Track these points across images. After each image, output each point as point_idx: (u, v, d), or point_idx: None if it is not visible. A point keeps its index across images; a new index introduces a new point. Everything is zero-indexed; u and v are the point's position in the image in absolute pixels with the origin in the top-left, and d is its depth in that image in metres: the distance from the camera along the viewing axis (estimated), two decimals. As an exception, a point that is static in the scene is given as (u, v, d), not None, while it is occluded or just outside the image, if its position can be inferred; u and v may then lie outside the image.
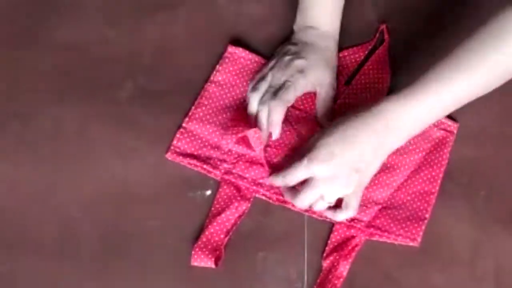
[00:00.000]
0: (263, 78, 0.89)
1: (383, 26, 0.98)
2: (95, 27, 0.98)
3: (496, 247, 0.87)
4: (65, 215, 0.88)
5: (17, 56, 0.97)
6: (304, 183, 0.83)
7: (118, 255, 0.86)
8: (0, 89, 0.95)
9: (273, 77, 0.89)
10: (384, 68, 0.95)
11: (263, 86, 0.89)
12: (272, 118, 0.86)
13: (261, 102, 0.88)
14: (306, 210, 0.87)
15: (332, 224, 0.88)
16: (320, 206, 0.83)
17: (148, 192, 0.89)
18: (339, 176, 0.80)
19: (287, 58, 0.89)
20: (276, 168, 0.87)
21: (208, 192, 0.89)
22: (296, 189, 0.84)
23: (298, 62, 0.88)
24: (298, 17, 0.94)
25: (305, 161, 0.80)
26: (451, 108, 0.82)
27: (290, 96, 0.87)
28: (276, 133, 0.87)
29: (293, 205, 0.87)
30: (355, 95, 0.93)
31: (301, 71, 0.88)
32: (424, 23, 1.00)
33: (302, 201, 0.83)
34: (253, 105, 0.89)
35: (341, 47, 0.96)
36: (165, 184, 0.89)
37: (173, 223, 0.87)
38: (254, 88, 0.89)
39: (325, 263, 0.85)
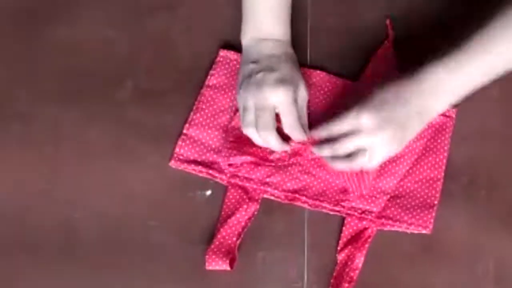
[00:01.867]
0: (245, 108, 0.85)
1: (387, 21, 0.98)
2: (95, 27, 0.98)
3: (496, 247, 0.87)
4: (65, 215, 0.88)
5: (17, 56, 0.97)
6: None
7: (118, 255, 0.86)
8: (0, 89, 0.95)
9: (255, 102, 0.85)
10: (391, 63, 0.95)
11: (250, 117, 0.85)
12: (271, 146, 0.86)
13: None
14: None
15: (342, 219, 0.88)
16: (360, 162, 0.82)
17: (148, 192, 0.89)
18: (385, 130, 0.81)
19: (259, 76, 0.85)
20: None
21: (208, 192, 0.89)
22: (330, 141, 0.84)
23: (273, 76, 0.85)
24: (247, 31, 0.90)
25: (356, 109, 0.81)
26: (493, 73, 0.83)
27: (271, 119, 0.85)
28: (287, 150, 0.88)
29: (302, 202, 0.88)
30: (363, 91, 0.93)
31: (280, 81, 0.85)
32: (424, 23, 1.00)
33: (340, 148, 0.82)
34: (258, 141, 0.86)
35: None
36: (165, 184, 0.89)
37: (173, 223, 0.87)
38: (247, 123, 0.85)
39: (340, 257, 0.86)
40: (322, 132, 0.84)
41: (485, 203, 0.89)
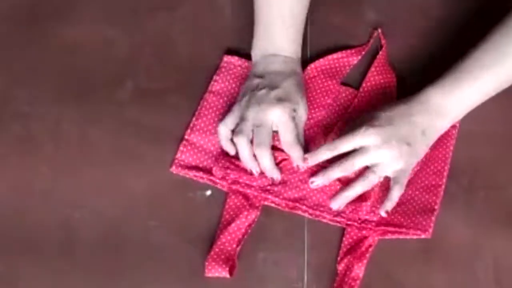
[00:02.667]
0: (243, 119, 0.86)
1: (377, 32, 0.98)
2: (95, 27, 0.98)
3: (496, 247, 0.87)
4: (65, 215, 0.88)
5: (17, 56, 0.97)
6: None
7: (118, 255, 0.86)
8: (0, 89, 0.95)
9: (254, 117, 0.85)
10: (388, 72, 0.95)
11: (244, 127, 0.85)
12: (263, 166, 0.86)
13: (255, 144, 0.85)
14: (338, 214, 0.87)
15: (342, 229, 0.87)
16: (372, 179, 0.84)
17: (148, 192, 0.89)
18: (392, 145, 0.82)
19: (261, 93, 0.86)
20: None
21: (208, 192, 0.89)
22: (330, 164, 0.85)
23: (274, 94, 0.85)
24: (257, 45, 0.91)
25: (363, 128, 0.82)
26: (492, 92, 0.86)
27: (268, 137, 0.85)
28: (276, 177, 0.87)
29: (303, 211, 0.87)
30: (365, 103, 0.93)
31: (279, 100, 0.85)
32: (424, 24, 1.00)
33: (351, 165, 0.83)
34: (244, 152, 0.86)
35: (334, 49, 0.97)
36: (165, 184, 0.89)
37: (173, 223, 0.87)
38: (239, 132, 0.85)
39: (340, 267, 0.85)
40: (327, 150, 0.84)
41: (485, 204, 0.89)
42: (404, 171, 0.85)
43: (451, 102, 0.85)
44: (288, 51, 0.90)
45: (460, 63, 0.85)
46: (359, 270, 0.84)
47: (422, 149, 0.86)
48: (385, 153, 0.83)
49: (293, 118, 0.86)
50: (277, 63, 0.89)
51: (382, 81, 0.94)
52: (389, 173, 0.84)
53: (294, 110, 0.86)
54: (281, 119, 0.85)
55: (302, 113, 0.87)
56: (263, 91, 0.86)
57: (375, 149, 0.82)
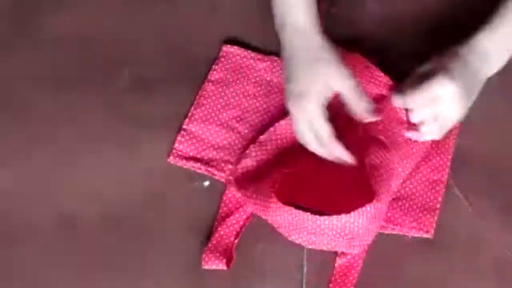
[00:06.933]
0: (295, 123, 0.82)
1: None
2: (92, 16, 0.99)
3: (496, 243, 0.86)
4: (63, 206, 0.87)
5: (13, 46, 0.97)
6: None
7: (115, 246, 0.85)
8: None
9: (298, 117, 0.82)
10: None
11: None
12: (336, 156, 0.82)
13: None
14: None
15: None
16: (431, 129, 0.84)
17: (146, 182, 0.88)
18: (460, 96, 0.82)
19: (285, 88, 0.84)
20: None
21: (206, 183, 0.88)
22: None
23: (289, 88, 0.82)
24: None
25: (439, 78, 0.81)
26: None
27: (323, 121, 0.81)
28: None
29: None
30: None
31: (296, 96, 0.81)
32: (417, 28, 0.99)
33: (421, 115, 0.84)
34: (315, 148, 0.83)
35: (336, 43, 0.94)
36: (163, 174, 0.89)
37: (171, 214, 0.87)
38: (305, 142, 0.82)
39: (341, 261, 0.84)
40: (399, 98, 0.85)
41: (486, 197, 0.88)
42: (455, 122, 0.86)
43: (497, 44, 0.85)
44: (295, 21, 0.86)
45: (506, 6, 0.85)
46: (356, 263, 0.84)
47: (472, 99, 0.86)
48: (452, 104, 0.82)
49: (321, 105, 0.80)
50: (288, 42, 0.85)
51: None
52: (449, 126, 0.85)
53: (314, 100, 0.80)
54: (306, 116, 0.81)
55: (339, 84, 0.81)
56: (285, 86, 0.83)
57: (444, 100, 0.82)
